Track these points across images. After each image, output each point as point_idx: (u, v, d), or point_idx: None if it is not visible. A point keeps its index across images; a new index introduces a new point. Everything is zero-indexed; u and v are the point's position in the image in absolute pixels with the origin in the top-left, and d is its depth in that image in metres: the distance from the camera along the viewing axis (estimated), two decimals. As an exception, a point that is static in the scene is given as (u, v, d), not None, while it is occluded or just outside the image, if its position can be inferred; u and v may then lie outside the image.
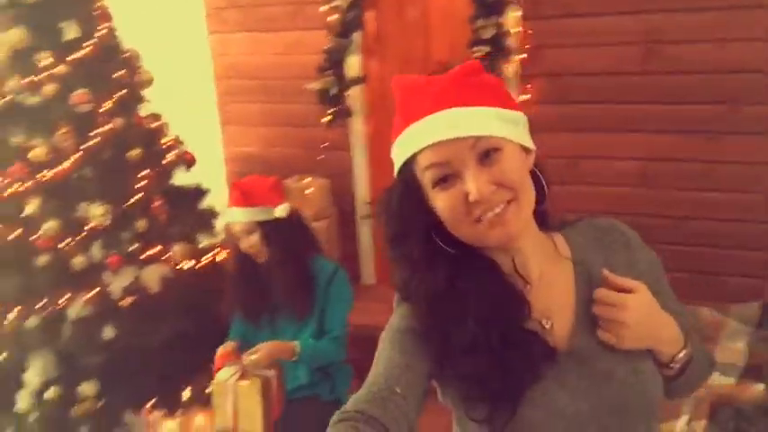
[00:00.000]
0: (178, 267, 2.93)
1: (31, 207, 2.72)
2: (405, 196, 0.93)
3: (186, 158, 3.22)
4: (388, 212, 0.96)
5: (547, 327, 0.96)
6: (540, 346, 0.93)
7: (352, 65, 3.22)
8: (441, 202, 0.89)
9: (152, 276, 2.84)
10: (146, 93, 3.11)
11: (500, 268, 0.96)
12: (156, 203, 2.92)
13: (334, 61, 3.14)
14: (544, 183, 0.95)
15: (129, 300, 2.80)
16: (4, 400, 2.86)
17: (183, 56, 3.70)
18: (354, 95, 3.27)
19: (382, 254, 3.53)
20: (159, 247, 2.89)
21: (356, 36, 3.20)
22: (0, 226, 2.78)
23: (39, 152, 2.68)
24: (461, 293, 0.93)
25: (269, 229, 2.31)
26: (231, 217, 2.33)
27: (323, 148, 3.32)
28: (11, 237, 2.75)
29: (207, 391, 2.97)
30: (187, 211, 3.22)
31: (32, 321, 2.74)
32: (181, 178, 3.24)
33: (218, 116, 3.68)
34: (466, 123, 0.85)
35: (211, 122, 3.70)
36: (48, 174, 2.70)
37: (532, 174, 0.94)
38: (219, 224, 3.35)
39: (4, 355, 2.82)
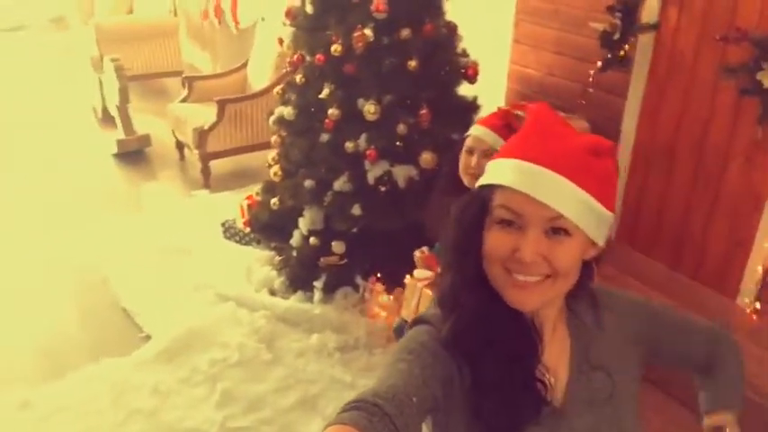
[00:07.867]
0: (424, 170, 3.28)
1: (324, 92, 3.29)
2: (477, 215, 0.95)
3: (467, 73, 3.41)
4: (459, 221, 0.99)
5: (549, 382, 0.98)
6: (542, 394, 0.97)
7: (649, 9, 2.95)
8: (493, 238, 0.93)
9: (400, 174, 3.25)
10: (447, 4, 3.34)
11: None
12: (422, 111, 3.24)
13: (626, 3, 2.90)
14: (595, 271, 1.01)
15: (379, 188, 3.28)
16: (287, 233, 3.70)
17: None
18: (645, 42, 3.01)
19: (628, 211, 3.38)
20: (412, 151, 3.26)
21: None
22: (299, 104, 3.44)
23: (337, 48, 3.18)
24: (492, 323, 0.96)
25: None
26: (482, 134, 2.29)
27: (589, 91, 3.19)
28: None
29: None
30: (458, 120, 3.48)
31: (309, 183, 3.43)
32: (465, 88, 3.46)
33: (512, 34, 3.73)
34: (562, 198, 0.88)
35: (504, 39, 3.78)
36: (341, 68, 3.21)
37: (587, 263, 0.98)
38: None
39: (291, 202, 3.60)
